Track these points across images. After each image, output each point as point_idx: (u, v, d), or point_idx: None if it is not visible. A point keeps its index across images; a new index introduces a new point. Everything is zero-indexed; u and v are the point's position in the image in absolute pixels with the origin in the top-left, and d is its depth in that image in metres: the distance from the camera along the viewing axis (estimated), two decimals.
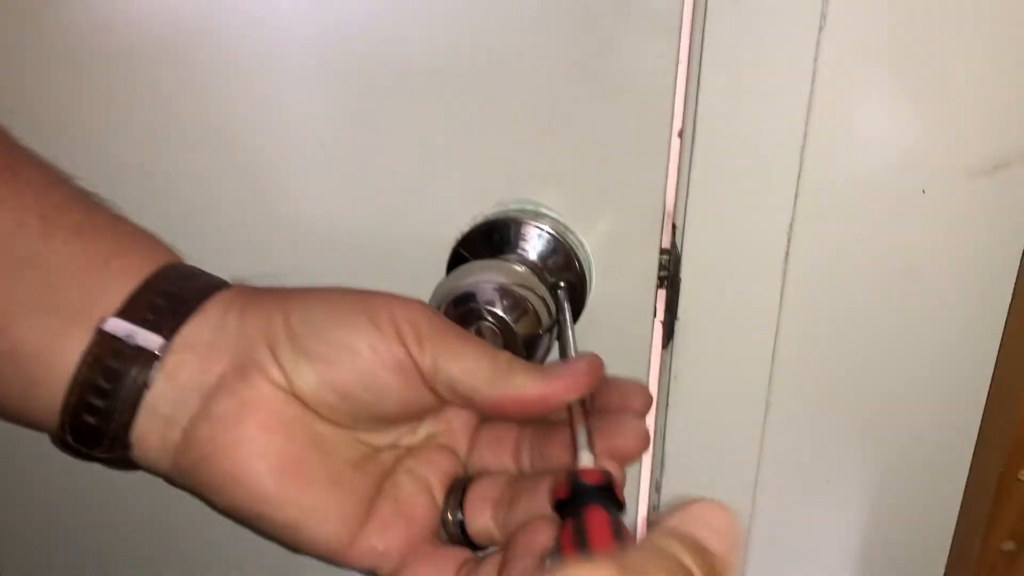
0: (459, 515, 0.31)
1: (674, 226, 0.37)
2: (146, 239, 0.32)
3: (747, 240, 0.37)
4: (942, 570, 0.43)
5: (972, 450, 0.41)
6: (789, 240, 0.37)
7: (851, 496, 0.42)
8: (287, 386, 0.29)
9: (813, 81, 0.34)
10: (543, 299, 0.35)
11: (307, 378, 0.29)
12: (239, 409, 0.29)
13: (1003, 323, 0.38)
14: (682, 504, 0.21)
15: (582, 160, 0.36)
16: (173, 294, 0.30)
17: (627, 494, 0.28)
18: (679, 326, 0.39)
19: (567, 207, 0.36)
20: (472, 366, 0.29)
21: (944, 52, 0.33)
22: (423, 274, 0.36)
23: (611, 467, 0.28)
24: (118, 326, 0.29)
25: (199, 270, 0.32)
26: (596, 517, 0.26)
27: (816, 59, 0.34)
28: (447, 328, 0.30)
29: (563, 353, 0.35)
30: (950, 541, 0.42)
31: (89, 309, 0.29)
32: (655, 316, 0.38)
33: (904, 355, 0.39)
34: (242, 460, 0.28)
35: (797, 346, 0.39)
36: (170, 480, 0.30)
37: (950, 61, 0.34)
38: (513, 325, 0.34)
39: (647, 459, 0.42)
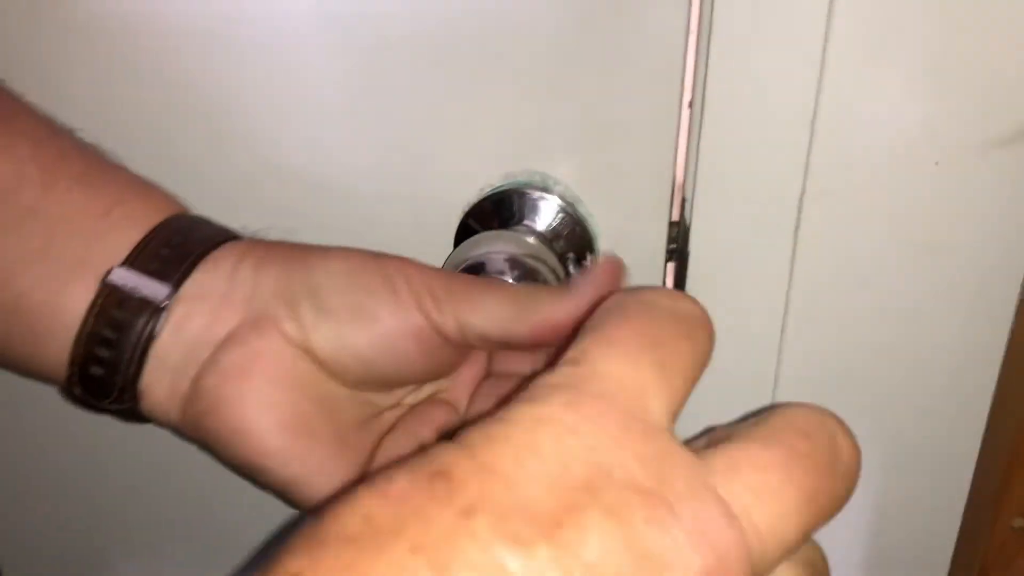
0: None
1: (683, 198, 0.37)
2: (150, 189, 0.31)
3: (757, 212, 0.37)
4: (952, 547, 0.43)
5: (983, 427, 0.41)
6: (799, 213, 0.37)
7: (862, 468, 0.42)
8: (302, 342, 0.29)
9: (825, 51, 0.34)
10: (554, 270, 0.35)
11: (326, 337, 0.29)
12: (249, 361, 0.28)
13: (1017, 298, 0.38)
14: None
15: (591, 131, 0.35)
16: (179, 244, 0.29)
17: None
18: None
19: (575, 178, 0.36)
20: (495, 311, 0.29)
21: (959, 21, 0.33)
22: (430, 245, 0.36)
23: None
24: (123, 276, 0.28)
25: (205, 219, 0.31)
26: None
27: (828, 28, 0.33)
28: (460, 284, 0.30)
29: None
30: (960, 518, 0.42)
31: (93, 259, 0.29)
32: None
33: (916, 330, 0.39)
34: (248, 413, 0.28)
35: (807, 320, 0.39)
36: (179, 433, 0.30)
37: (965, 30, 0.33)
38: None
39: None
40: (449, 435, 0.30)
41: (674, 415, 0.19)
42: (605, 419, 0.17)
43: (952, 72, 0.34)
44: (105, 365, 0.29)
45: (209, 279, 0.29)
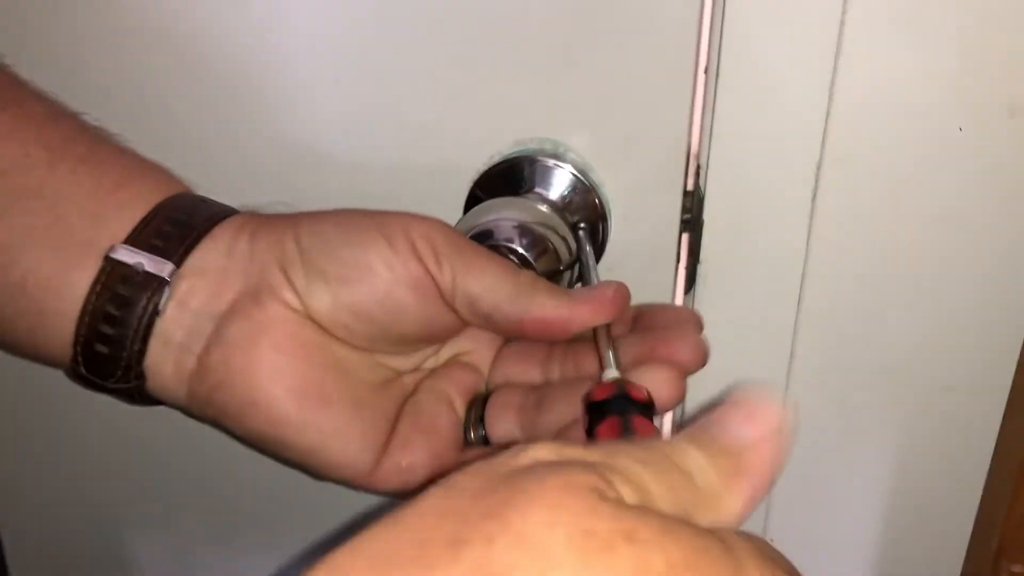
0: (481, 428, 0.30)
1: (698, 167, 0.36)
2: (153, 169, 0.31)
3: (773, 181, 0.36)
4: (970, 527, 0.42)
5: (1004, 404, 0.40)
6: (817, 181, 0.36)
7: (879, 448, 0.41)
8: (302, 308, 0.29)
9: (844, 12, 0.33)
10: (564, 238, 0.34)
11: (321, 298, 0.29)
12: (252, 332, 0.28)
13: None
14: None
15: (603, 97, 0.35)
16: (181, 221, 0.29)
17: None
18: (702, 271, 0.38)
19: (587, 146, 0.36)
20: (493, 283, 0.28)
21: None
22: (440, 212, 0.36)
23: (668, 377, 0.27)
24: (126, 253, 0.29)
25: (207, 198, 0.31)
26: (643, 426, 0.25)
27: None
28: (466, 244, 0.29)
29: None
30: (979, 497, 0.41)
31: (97, 238, 0.29)
32: (678, 260, 0.37)
33: (937, 302, 0.38)
34: (258, 383, 0.28)
35: (824, 292, 0.38)
36: (188, 412, 0.30)
37: None
38: (533, 263, 0.33)
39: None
40: (482, 401, 0.30)
41: None
42: None
43: (977, 34, 0.33)
44: (110, 343, 0.29)
45: (210, 254, 0.29)
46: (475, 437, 0.30)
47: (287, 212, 0.31)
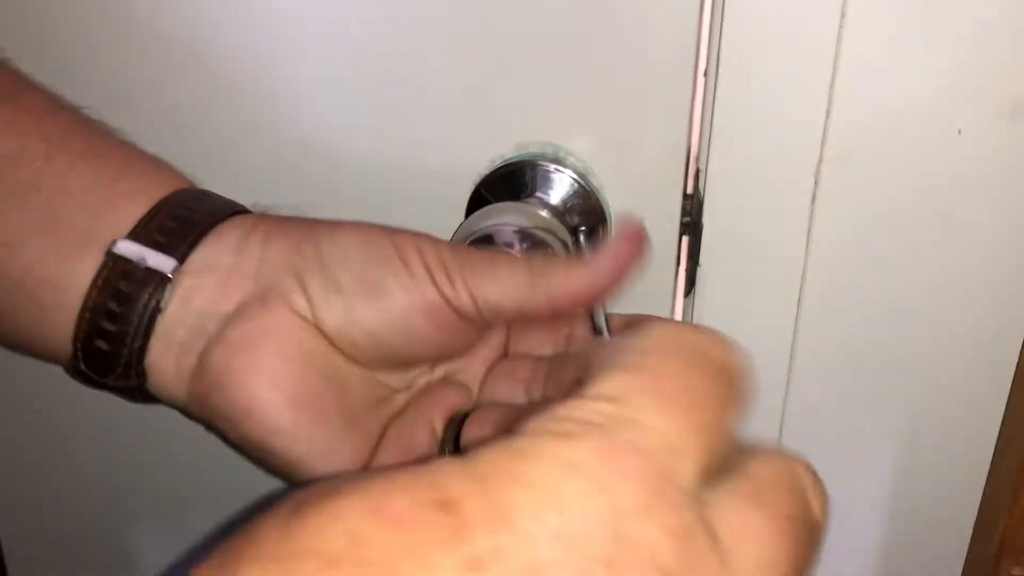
0: (450, 445, 0.30)
1: (697, 170, 0.36)
2: (155, 163, 0.31)
3: (773, 184, 0.36)
4: (972, 523, 0.42)
5: (1004, 402, 0.40)
6: (816, 183, 0.36)
7: (879, 448, 0.41)
8: (311, 317, 0.28)
9: (843, 15, 0.33)
10: (564, 243, 0.34)
11: (335, 312, 0.28)
12: (257, 335, 0.28)
13: None
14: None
15: (603, 101, 0.35)
16: (185, 216, 0.29)
17: None
18: (701, 273, 0.38)
19: (588, 150, 0.36)
20: (508, 281, 0.28)
21: None
22: (441, 216, 0.36)
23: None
24: (128, 248, 0.28)
25: (211, 192, 0.31)
26: None
27: None
28: (472, 256, 0.29)
29: None
30: (981, 493, 0.41)
31: (97, 232, 0.28)
32: (678, 263, 0.38)
33: (936, 303, 0.38)
34: (256, 389, 0.28)
35: (824, 294, 0.38)
36: (187, 412, 0.30)
37: None
38: None
39: None
40: (460, 420, 0.30)
41: (705, 482, 0.17)
42: (639, 478, 0.16)
43: (975, 36, 0.33)
44: (110, 339, 0.28)
45: (216, 252, 0.29)
46: (448, 450, 0.30)
47: (293, 212, 0.31)
